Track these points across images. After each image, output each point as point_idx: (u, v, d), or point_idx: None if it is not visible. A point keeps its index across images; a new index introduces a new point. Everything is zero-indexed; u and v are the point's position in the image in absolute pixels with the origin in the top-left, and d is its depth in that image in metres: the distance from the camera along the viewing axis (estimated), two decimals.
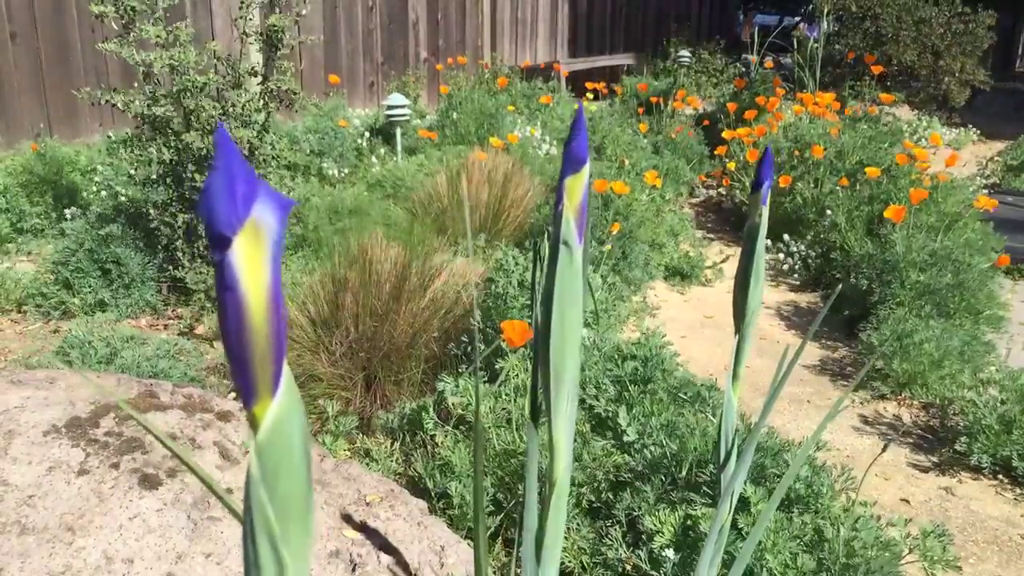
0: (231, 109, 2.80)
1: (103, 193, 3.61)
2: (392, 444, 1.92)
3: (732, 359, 0.86)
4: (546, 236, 1.50)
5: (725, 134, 4.76)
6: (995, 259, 3.14)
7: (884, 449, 1.51)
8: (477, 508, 0.55)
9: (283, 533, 0.36)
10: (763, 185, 0.79)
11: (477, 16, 7.22)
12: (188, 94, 2.67)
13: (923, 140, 6.84)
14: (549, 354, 0.56)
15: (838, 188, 3.81)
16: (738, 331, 0.84)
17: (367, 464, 1.84)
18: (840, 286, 1.16)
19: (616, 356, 1.91)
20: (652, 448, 1.62)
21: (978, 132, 7.75)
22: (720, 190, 4.93)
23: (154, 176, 2.83)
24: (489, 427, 1.70)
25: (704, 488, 1.53)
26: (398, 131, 4.75)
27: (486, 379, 2.00)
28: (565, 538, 1.52)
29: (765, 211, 0.80)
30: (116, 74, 4.57)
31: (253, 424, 0.36)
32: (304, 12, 2.93)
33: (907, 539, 1.44)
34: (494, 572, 1.55)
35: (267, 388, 0.36)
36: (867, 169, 3.66)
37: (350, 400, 2.12)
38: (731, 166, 4.67)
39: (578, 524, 1.55)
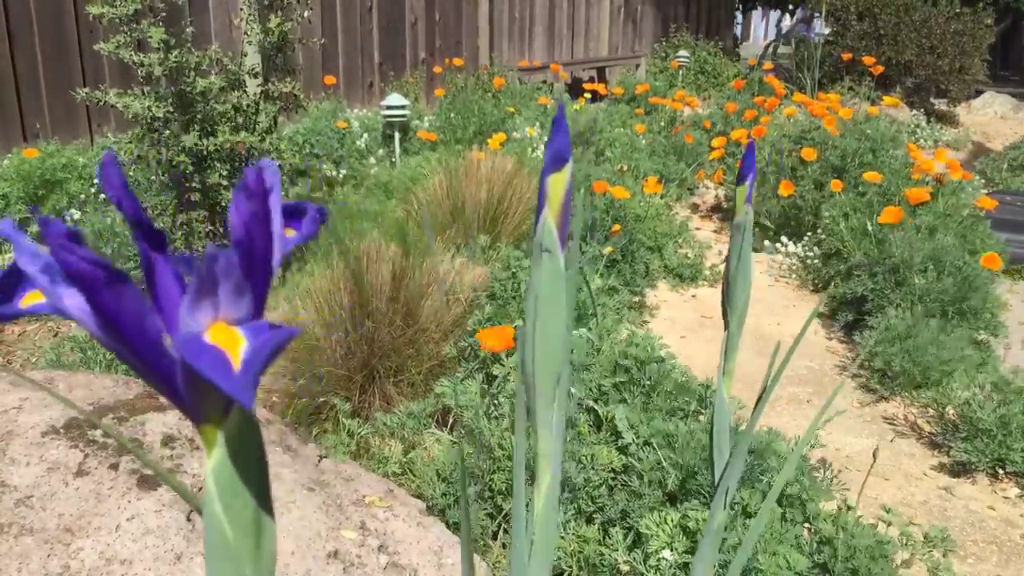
0: (232, 112, 2.80)
1: (102, 196, 3.60)
2: (391, 445, 1.92)
3: (721, 355, 0.86)
4: None
5: (715, 142, 4.76)
6: (989, 260, 3.14)
7: (875, 456, 1.51)
8: (464, 513, 0.55)
9: (240, 549, 0.36)
10: (746, 179, 0.79)
11: (475, 17, 7.22)
12: (191, 96, 2.67)
13: (922, 140, 6.84)
14: (533, 363, 0.56)
15: (838, 191, 3.81)
16: (727, 327, 0.84)
17: (366, 465, 1.84)
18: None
19: (615, 357, 1.91)
20: (649, 450, 1.62)
21: (976, 132, 7.75)
22: (719, 192, 4.93)
23: (152, 177, 2.83)
24: (487, 431, 1.70)
25: (701, 490, 1.53)
26: (396, 132, 4.75)
27: (484, 382, 2.00)
28: (561, 538, 1.52)
29: (749, 208, 0.80)
30: (115, 75, 4.57)
31: (206, 441, 0.35)
32: (307, 14, 2.93)
33: (910, 544, 1.44)
34: (493, 574, 1.55)
35: (218, 408, 0.34)
36: (866, 175, 3.66)
37: (349, 400, 2.12)
38: (719, 174, 4.66)
39: (574, 525, 1.55)
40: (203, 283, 0.30)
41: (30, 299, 0.33)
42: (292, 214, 0.37)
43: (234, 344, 0.30)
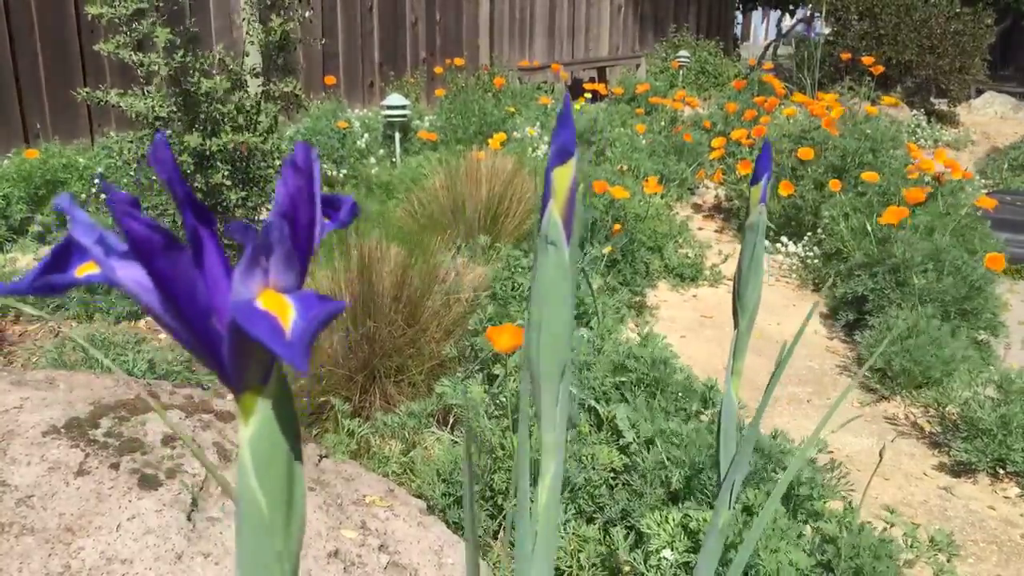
0: (233, 112, 2.80)
1: (103, 196, 3.60)
2: (392, 445, 1.92)
3: (730, 355, 0.86)
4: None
5: (715, 142, 4.75)
6: (993, 260, 3.14)
7: (881, 455, 1.51)
8: (470, 511, 0.55)
9: (273, 522, 0.37)
10: (761, 179, 0.78)
11: (476, 16, 7.22)
12: (196, 96, 2.67)
13: (922, 140, 6.84)
14: (538, 359, 0.56)
15: (837, 191, 3.81)
16: (737, 327, 0.84)
17: (366, 465, 1.84)
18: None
19: (616, 357, 1.91)
20: (652, 449, 1.62)
21: (977, 132, 7.74)
22: (719, 191, 4.93)
23: (153, 176, 2.83)
24: (488, 430, 1.70)
25: (706, 488, 1.53)
26: (397, 132, 4.75)
27: (484, 382, 2.00)
28: (561, 537, 1.52)
29: (764, 208, 0.79)
30: (115, 74, 4.57)
31: (244, 411, 0.36)
32: (308, 14, 2.93)
33: (914, 546, 1.44)
34: (494, 574, 1.55)
35: (258, 377, 0.36)
36: (864, 175, 3.66)
37: (349, 400, 2.12)
38: (719, 174, 4.66)
39: (574, 525, 1.55)
40: (258, 250, 0.32)
41: (84, 270, 0.35)
42: (329, 204, 0.40)
43: (284, 311, 0.32)
